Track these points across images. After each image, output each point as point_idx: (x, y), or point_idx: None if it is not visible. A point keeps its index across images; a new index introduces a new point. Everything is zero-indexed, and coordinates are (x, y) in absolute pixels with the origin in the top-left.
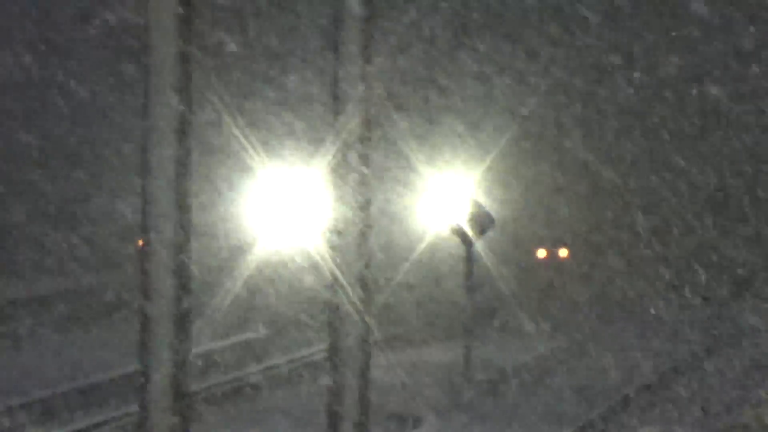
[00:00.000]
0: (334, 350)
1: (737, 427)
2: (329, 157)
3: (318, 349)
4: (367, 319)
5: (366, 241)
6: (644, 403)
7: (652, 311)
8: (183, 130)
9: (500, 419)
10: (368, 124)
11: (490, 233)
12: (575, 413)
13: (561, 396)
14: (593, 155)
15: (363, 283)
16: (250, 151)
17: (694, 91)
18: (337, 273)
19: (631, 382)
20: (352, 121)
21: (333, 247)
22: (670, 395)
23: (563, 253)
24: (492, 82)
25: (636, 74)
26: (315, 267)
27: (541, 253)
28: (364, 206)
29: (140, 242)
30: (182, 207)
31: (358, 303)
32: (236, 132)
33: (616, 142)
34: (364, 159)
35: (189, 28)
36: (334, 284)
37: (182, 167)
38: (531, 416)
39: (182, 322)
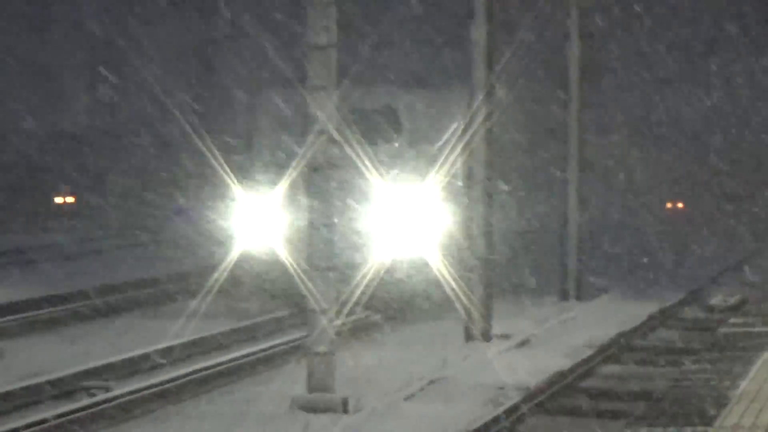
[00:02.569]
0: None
1: None
2: None
3: None
4: None
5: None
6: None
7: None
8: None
9: (656, 284)
10: None
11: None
12: (697, 278)
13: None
14: (700, 140)
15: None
16: None
17: None
18: None
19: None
20: None
21: None
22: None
23: (681, 204)
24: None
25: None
26: None
27: (669, 205)
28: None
29: None
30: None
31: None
32: None
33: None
34: None
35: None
36: None
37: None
38: (639, 290)
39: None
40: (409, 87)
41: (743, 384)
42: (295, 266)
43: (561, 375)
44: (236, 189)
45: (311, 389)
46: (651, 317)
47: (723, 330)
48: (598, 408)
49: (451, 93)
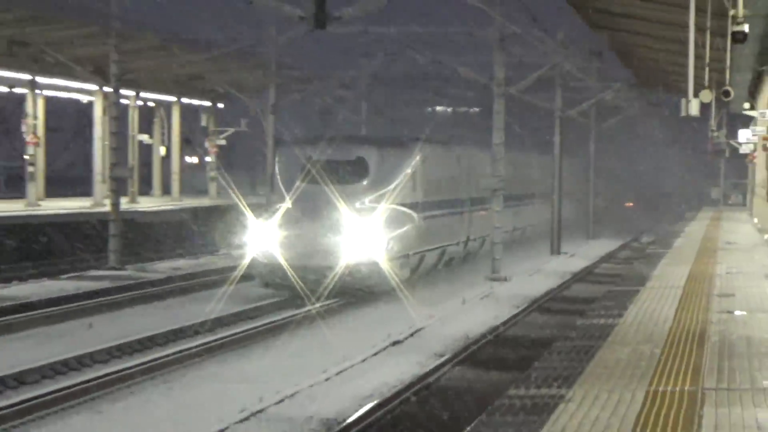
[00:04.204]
0: None
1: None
2: None
3: None
4: None
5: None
6: (647, 233)
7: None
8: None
9: (620, 234)
10: None
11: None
12: (636, 232)
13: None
14: (640, 171)
15: None
16: None
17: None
18: None
19: (645, 227)
20: None
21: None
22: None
23: (631, 204)
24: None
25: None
26: None
27: (626, 204)
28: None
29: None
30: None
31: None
32: None
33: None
34: None
35: None
36: None
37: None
38: (615, 237)
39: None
40: (376, 144)
41: (654, 271)
42: (286, 264)
43: (586, 268)
44: (250, 217)
45: (492, 272)
46: (619, 247)
47: (647, 251)
48: (599, 279)
49: (404, 149)
